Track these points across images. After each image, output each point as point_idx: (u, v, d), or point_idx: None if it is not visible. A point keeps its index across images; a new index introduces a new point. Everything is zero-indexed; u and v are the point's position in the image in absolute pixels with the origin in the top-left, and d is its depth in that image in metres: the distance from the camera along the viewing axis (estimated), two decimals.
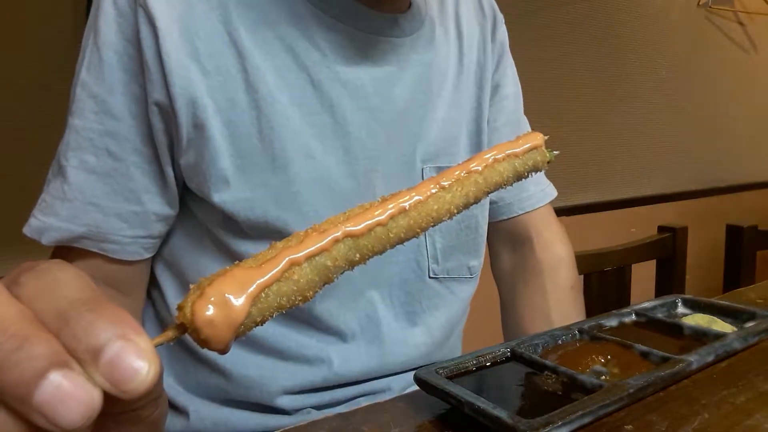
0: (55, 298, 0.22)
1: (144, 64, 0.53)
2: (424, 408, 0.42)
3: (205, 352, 0.60)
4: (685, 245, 1.23)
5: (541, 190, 0.79)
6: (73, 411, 0.20)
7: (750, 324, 0.52)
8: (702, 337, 0.50)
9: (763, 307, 0.55)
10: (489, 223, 0.76)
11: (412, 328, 0.66)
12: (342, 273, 0.28)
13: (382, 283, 0.64)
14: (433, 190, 0.31)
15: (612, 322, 0.54)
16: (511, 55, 0.79)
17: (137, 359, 0.21)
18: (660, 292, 1.24)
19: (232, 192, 0.56)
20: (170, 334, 0.24)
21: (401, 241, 0.30)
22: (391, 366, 0.65)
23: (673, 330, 0.52)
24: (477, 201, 0.34)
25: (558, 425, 0.35)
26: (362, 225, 0.28)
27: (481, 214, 0.72)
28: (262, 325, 0.25)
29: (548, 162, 0.36)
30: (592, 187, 2.01)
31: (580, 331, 0.51)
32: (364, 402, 0.63)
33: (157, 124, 0.54)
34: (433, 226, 0.31)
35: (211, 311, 0.23)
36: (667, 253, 1.21)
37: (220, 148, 0.55)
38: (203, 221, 0.60)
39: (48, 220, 0.54)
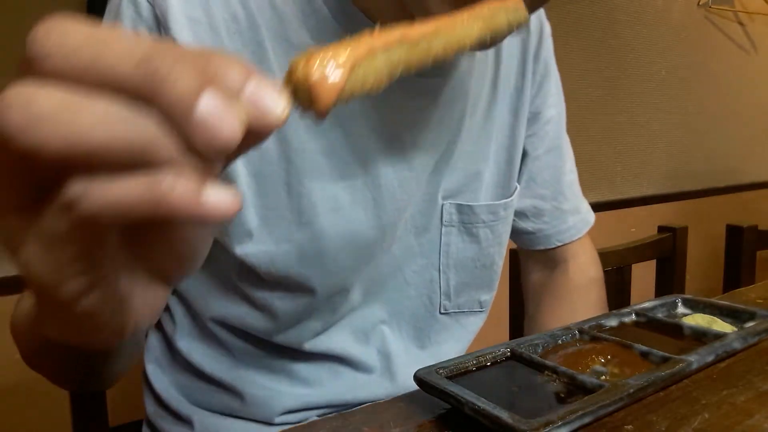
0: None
1: None
2: (424, 408, 0.42)
3: (211, 369, 0.61)
4: (685, 245, 1.23)
5: (581, 220, 0.77)
6: (231, 124, 0.19)
7: (750, 324, 0.52)
8: (702, 337, 0.50)
9: (763, 307, 0.55)
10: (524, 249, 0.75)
11: (422, 357, 0.66)
12: (397, 72, 0.27)
13: (392, 317, 0.64)
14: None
15: (612, 322, 0.54)
16: (556, 69, 0.74)
17: (275, 95, 0.21)
18: (660, 292, 1.23)
19: (255, 245, 0.53)
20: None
21: (437, 58, 0.29)
22: (399, 391, 0.65)
23: (673, 330, 0.52)
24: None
25: (558, 425, 0.35)
26: (416, 35, 0.28)
27: (497, 252, 0.69)
28: (351, 97, 0.25)
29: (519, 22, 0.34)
30: (592, 187, 2.01)
31: (580, 331, 0.51)
32: None
33: None
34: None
35: (319, 71, 0.24)
36: (667, 253, 1.21)
37: (246, 201, 0.53)
38: (221, 265, 0.57)
39: None
